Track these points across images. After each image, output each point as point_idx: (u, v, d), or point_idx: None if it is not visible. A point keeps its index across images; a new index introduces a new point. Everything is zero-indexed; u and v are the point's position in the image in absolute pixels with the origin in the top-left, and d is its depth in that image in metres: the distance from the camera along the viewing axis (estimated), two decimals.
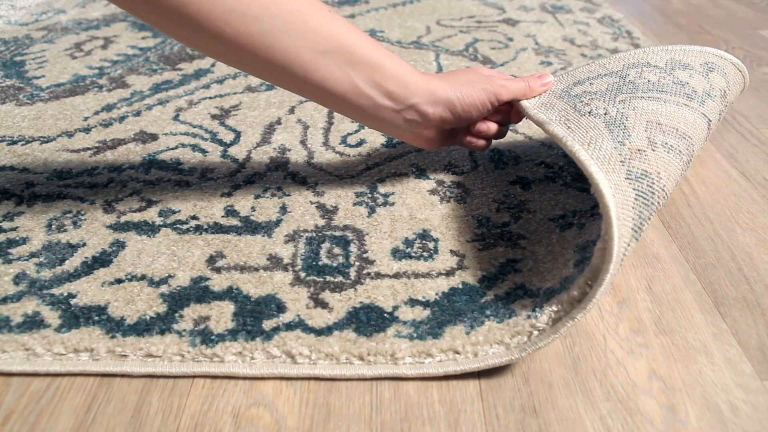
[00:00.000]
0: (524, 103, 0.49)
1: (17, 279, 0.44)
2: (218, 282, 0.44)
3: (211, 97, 0.72)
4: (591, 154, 0.40)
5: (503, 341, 0.38)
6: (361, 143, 0.62)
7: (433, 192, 0.54)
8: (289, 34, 0.40)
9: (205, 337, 0.39)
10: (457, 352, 0.38)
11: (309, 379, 0.38)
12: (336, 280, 0.44)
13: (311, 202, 0.53)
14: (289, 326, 0.40)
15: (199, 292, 0.43)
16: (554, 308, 0.38)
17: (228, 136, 0.63)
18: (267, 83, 0.75)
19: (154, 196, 0.54)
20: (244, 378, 0.38)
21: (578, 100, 0.46)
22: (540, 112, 0.46)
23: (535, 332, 0.38)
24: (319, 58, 0.42)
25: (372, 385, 0.37)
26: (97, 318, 0.41)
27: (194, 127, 0.65)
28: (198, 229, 0.49)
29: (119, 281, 0.44)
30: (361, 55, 0.44)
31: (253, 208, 0.52)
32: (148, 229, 0.50)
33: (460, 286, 0.43)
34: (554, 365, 0.39)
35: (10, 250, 0.47)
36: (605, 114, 0.43)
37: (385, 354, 0.38)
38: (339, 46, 0.42)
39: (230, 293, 0.43)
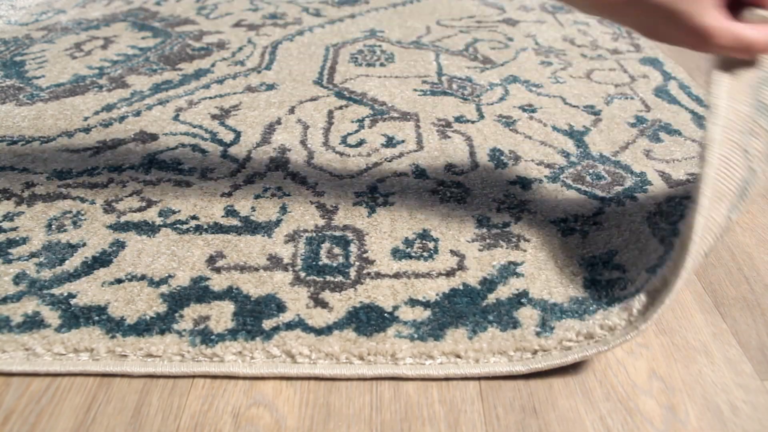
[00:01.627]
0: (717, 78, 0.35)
1: (17, 279, 0.44)
2: (218, 282, 0.44)
3: (211, 97, 0.72)
4: (704, 224, 0.34)
5: (506, 353, 0.38)
6: (361, 143, 0.62)
7: (433, 192, 0.54)
8: None
9: (205, 336, 0.39)
10: (459, 356, 0.38)
11: (309, 378, 0.38)
12: (336, 279, 0.44)
13: (311, 202, 0.53)
14: (289, 326, 0.40)
15: (199, 292, 0.43)
16: (568, 335, 0.38)
17: (228, 136, 0.63)
18: (267, 84, 0.75)
19: (154, 196, 0.54)
20: (244, 378, 0.38)
21: (755, 124, 0.35)
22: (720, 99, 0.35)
23: (542, 352, 0.38)
24: None
25: (372, 385, 0.37)
26: (97, 318, 0.41)
27: (194, 127, 0.65)
28: (198, 229, 0.49)
29: (119, 281, 0.44)
30: None
31: (253, 208, 0.52)
32: (148, 229, 0.50)
33: (461, 287, 0.43)
34: None
35: (10, 250, 0.47)
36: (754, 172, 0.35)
37: (385, 354, 0.38)
38: None
39: (230, 293, 0.43)
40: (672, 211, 0.49)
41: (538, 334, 0.39)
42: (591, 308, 0.40)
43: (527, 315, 0.40)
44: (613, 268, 0.44)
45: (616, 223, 0.49)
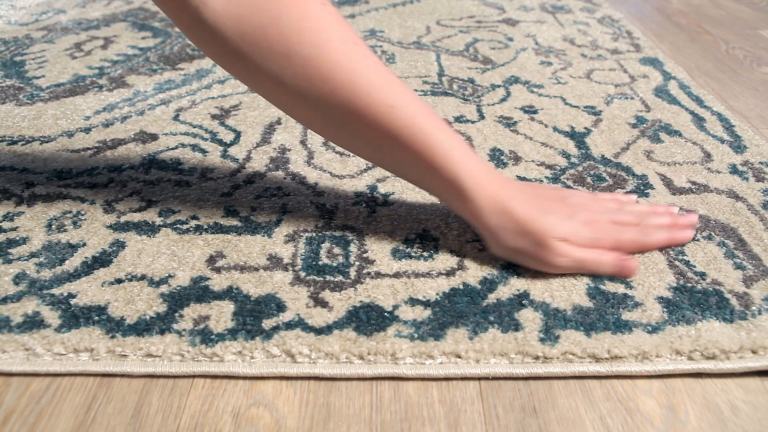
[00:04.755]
0: None
1: (17, 279, 0.44)
2: (218, 282, 0.44)
3: (213, 97, 0.72)
4: None
5: (508, 355, 0.38)
6: None
7: None
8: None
9: (205, 336, 0.39)
10: (459, 357, 0.38)
11: (309, 378, 0.38)
12: (336, 279, 0.44)
13: (311, 202, 0.53)
14: (289, 325, 0.40)
15: (199, 291, 0.43)
16: (573, 349, 0.38)
17: (228, 136, 0.63)
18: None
19: (154, 196, 0.54)
20: (244, 378, 0.38)
21: None
22: None
23: (544, 359, 0.38)
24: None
25: (372, 385, 0.37)
26: (97, 318, 0.41)
27: (194, 127, 0.65)
28: (198, 229, 0.49)
29: (119, 281, 0.44)
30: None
31: (253, 208, 0.52)
32: (148, 229, 0.50)
33: (461, 286, 0.43)
34: None
35: (10, 250, 0.47)
36: None
37: (385, 354, 0.38)
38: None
39: (230, 293, 0.43)
40: None
41: (541, 340, 0.38)
42: (598, 325, 0.40)
43: (529, 318, 0.40)
44: (619, 280, 0.43)
45: None
